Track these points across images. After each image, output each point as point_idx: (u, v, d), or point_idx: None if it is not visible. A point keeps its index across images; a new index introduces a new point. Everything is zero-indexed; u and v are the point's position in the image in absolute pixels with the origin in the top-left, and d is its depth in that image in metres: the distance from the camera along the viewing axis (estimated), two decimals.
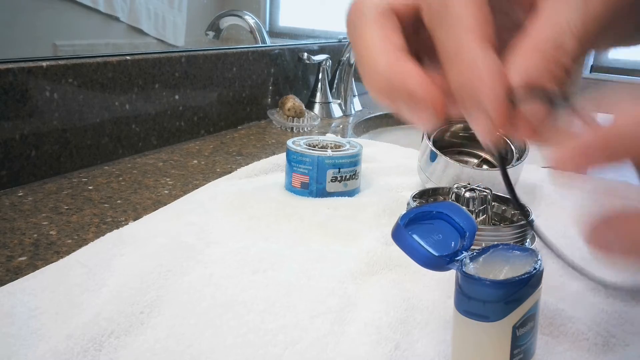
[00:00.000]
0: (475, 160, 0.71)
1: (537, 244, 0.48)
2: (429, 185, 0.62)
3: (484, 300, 0.31)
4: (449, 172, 0.62)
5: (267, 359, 0.35)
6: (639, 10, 0.25)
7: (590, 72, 2.38)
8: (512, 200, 0.35)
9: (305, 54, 1.14)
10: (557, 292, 0.43)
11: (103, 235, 0.51)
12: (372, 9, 0.23)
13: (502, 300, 0.31)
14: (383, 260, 0.47)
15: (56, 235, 0.52)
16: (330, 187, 0.62)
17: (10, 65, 0.63)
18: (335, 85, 1.20)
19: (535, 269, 0.32)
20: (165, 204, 0.59)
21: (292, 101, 1.00)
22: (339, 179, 0.62)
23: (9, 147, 0.64)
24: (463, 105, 0.21)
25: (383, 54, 0.22)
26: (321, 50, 1.23)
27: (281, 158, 0.72)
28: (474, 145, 0.72)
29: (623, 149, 0.19)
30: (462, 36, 0.20)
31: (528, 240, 0.48)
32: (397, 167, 0.76)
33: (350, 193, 0.63)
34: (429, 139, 0.65)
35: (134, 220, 0.56)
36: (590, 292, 0.44)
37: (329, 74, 1.19)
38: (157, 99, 0.84)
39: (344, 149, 0.64)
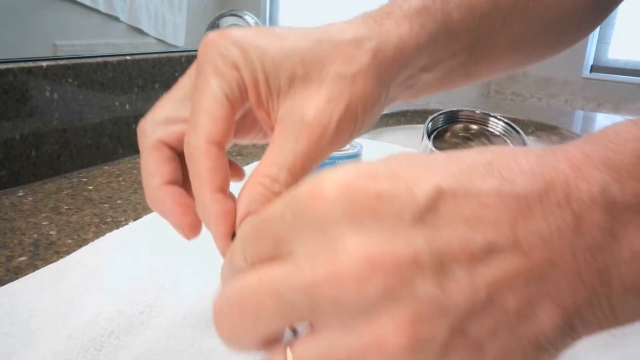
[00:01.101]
0: None
1: None
2: None
3: None
4: None
5: (266, 359, 0.35)
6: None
7: (590, 72, 2.38)
8: None
9: None
10: None
11: (103, 235, 0.51)
12: (146, 141, 0.29)
13: None
14: None
15: (56, 235, 0.52)
16: None
17: (10, 65, 0.63)
18: None
19: None
20: None
21: None
22: None
23: (9, 147, 0.64)
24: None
25: (148, 184, 0.29)
26: None
27: None
28: (474, 145, 0.72)
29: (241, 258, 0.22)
30: (199, 185, 0.26)
31: None
32: None
33: None
34: (429, 138, 0.65)
35: (134, 220, 0.56)
36: None
37: None
38: (157, 99, 0.84)
39: (344, 149, 0.64)
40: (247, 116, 0.30)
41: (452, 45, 0.32)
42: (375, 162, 0.19)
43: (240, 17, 1.03)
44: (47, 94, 0.67)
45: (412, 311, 0.17)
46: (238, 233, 0.25)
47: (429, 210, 0.18)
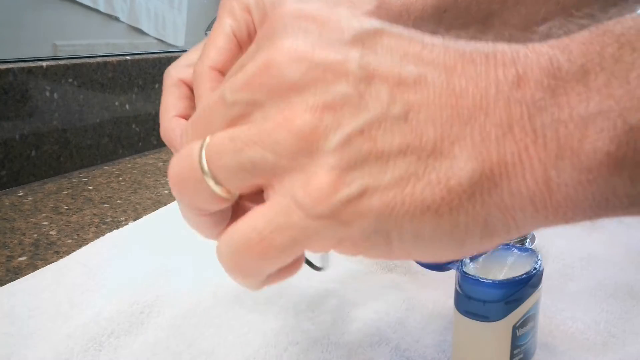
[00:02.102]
0: None
1: (537, 245, 0.47)
2: None
3: (484, 300, 0.31)
4: None
5: (267, 359, 0.35)
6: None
7: None
8: None
9: None
10: (557, 292, 0.43)
11: (103, 235, 0.51)
12: (168, 80, 0.31)
13: (502, 300, 0.31)
14: (383, 261, 0.47)
15: (56, 235, 0.52)
16: None
17: (10, 65, 0.63)
18: None
19: (535, 269, 0.32)
20: (165, 204, 0.59)
21: None
22: None
23: (9, 147, 0.64)
24: None
25: (163, 116, 0.30)
26: None
27: None
28: None
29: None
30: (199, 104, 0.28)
31: (528, 240, 0.48)
32: None
33: None
34: None
35: (134, 220, 0.56)
36: (590, 292, 0.44)
37: None
38: (157, 99, 0.84)
39: None
40: None
41: (463, 16, 0.32)
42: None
43: None
44: (47, 94, 0.67)
45: (325, 101, 0.18)
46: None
47: (371, 36, 0.19)
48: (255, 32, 0.29)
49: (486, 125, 0.17)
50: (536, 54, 0.18)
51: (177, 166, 0.21)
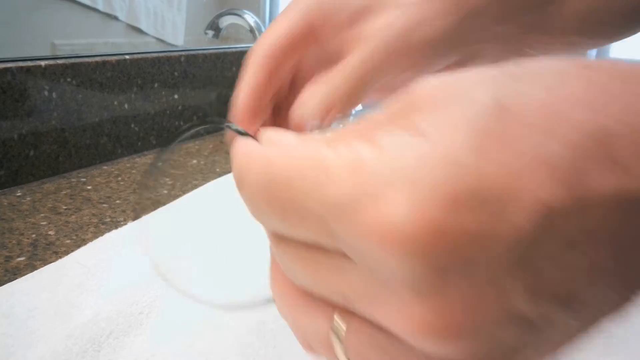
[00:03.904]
0: None
1: None
2: None
3: None
4: None
5: (267, 359, 0.35)
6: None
7: None
8: None
9: None
10: None
11: (102, 235, 0.51)
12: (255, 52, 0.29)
13: None
14: None
15: (55, 236, 0.52)
16: None
17: (8, 65, 0.63)
18: None
19: None
20: (164, 204, 0.59)
21: None
22: None
23: (7, 147, 0.64)
24: None
25: (247, 90, 0.29)
26: None
27: None
28: None
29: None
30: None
31: None
32: None
33: None
34: None
35: (133, 220, 0.56)
36: None
37: None
38: (156, 99, 0.84)
39: None
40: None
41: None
42: (460, 155, 0.14)
43: (240, 16, 1.03)
44: (46, 93, 0.67)
45: (493, 357, 0.15)
46: (246, 168, 0.18)
47: (532, 242, 0.13)
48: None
49: None
50: None
51: (302, 324, 0.18)
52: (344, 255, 0.16)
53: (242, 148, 0.18)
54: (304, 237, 0.16)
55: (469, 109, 0.14)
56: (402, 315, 0.15)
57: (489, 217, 0.13)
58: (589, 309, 0.15)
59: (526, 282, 0.14)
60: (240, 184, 0.18)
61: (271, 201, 0.16)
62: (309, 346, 0.19)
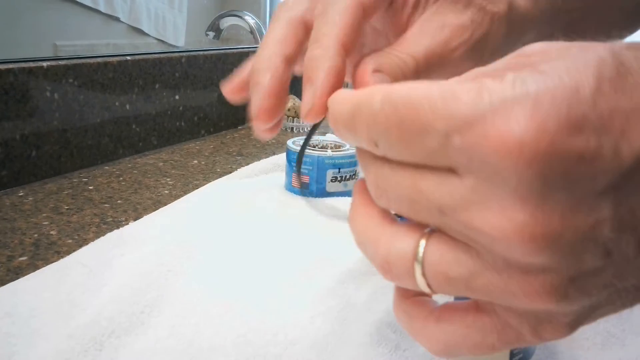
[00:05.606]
0: None
1: None
2: None
3: None
4: None
5: (267, 359, 0.35)
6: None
7: None
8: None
9: None
10: None
11: (103, 235, 0.51)
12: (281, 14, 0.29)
13: None
14: None
15: (57, 235, 0.52)
16: (331, 187, 0.62)
17: (11, 66, 0.63)
18: None
19: None
20: (165, 204, 0.60)
21: (293, 101, 1.00)
22: (339, 179, 0.63)
23: (9, 147, 0.64)
24: (304, 76, 0.26)
25: (270, 48, 0.27)
26: None
27: (281, 158, 0.72)
28: None
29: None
30: (326, 32, 0.25)
31: None
32: None
33: (350, 193, 0.63)
34: None
35: (135, 220, 0.56)
36: None
37: None
38: (157, 99, 0.84)
39: (344, 149, 0.65)
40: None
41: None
42: (580, 90, 0.16)
43: (241, 17, 1.03)
44: (48, 94, 0.67)
45: (569, 276, 0.17)
46: (366, 99, 0.19)
47: (629, 175, 0.16)
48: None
49: None
50: None
51: (383, 251, 0.20)
52: (449, 170, 0.17)
53: (357, 88, 0.20)
54: (414, 157, 0.18)
55: (591, 58, 0.16)
56: (503, 219, 0.16)
57: (598, 143, 0.15)
58: None
59: (615, 209, 0.16)
60: (355, 113, 0.19)
61: (392, 123, 0.18)
62: (388, 269, 0.20)
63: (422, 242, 0.19)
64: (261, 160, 0.74)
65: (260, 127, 0.27)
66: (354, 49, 0.26)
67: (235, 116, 1.01)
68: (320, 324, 0.39)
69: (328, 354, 0.36)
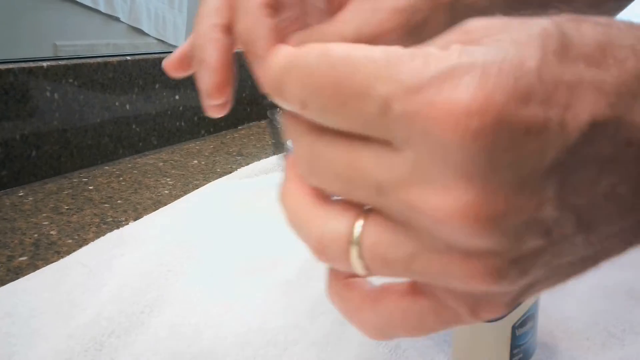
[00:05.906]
0: None
1: None
2: None
3: None
4: None
5: (267, 359, 0.35)
6: None
7: None
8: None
9: None
10: (557, 292, 0.43)
11: (103, 235, 0.51)
12: None
13: None
14: None
15: (57, 235, 0.52)
16: None
17: (11, 66, 0.63)
18: None
19: None
20: (165, 204, 0.60)
21: None
22: None
23: (9, 147, 0.64)
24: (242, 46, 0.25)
25: (203, 21, 0.27)
26: None
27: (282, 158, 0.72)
28: None
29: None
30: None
31: None
32: None
33: None
34: None
35: (135, 220, 0.56)
36: (590, 291, 0.44)
37: None
38: (157, 99, 0.84)
39: None
40: None
41: None
42: (525, 61, 0.15)
43: None
44: (48, 94, 0.67)
45: (511, 258, 0.16)
46: (302, 54, 0.18)
47: (574, 150, 0.15)
48: None
49: None
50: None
51: (316, 231, 0.19)
52: (387, 144, 0.16)
53: (292, 46, 0.19)
54: (348, 123, 0.17)
55: (535, 30, 0.16)
56: (445, 198, 0.15)
57: (545, 116, 0.15)
58: (598, 236, 0.17)
59: (559, 187, 0.15)
60: (288, 72, 0.18)
61: (327, 85, 0.17)
62: (322, 251, 0.19)
63: (359, 223, 0.18)
64: (261, 160, 0.74)
65: (213, 103, 0.26)
66: (281, 10, 0.25)
67: (235, 116, 1.01)
68: (320, 324, 0.39)
69: (328, 354, 0.36)
